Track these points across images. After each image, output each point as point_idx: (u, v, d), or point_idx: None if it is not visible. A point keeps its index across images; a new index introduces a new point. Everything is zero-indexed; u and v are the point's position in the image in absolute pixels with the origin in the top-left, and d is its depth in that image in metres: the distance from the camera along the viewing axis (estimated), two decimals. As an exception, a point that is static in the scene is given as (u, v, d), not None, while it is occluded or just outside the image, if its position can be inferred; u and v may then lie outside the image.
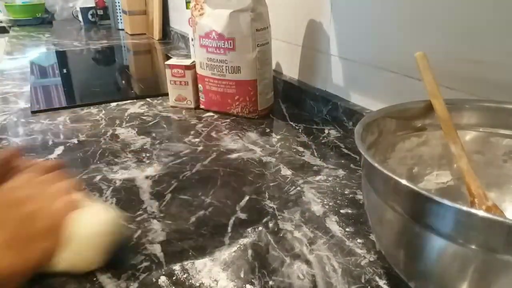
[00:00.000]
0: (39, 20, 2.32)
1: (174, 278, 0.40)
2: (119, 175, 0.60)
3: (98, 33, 1.98)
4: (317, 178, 0.59)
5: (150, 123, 0.80)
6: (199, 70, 0.85)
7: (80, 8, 2.25)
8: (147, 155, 0.66)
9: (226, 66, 0.79)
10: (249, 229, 0.47)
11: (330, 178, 0.59)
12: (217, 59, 0.79)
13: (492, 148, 0.44)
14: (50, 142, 0.71)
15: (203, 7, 0.79)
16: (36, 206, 0.38)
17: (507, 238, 0.26)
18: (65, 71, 1.25)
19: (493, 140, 0.43)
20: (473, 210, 0.27)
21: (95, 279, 0.39)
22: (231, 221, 0.49)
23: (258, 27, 0.76)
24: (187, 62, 0.87)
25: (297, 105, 0.88)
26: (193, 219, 0.49)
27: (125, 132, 0.76)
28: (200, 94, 0.87)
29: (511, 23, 0.46)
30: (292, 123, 0.80)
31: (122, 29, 2.03)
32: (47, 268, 0.38)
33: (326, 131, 0.75)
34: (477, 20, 0.50)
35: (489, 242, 0.27)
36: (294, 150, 0.68)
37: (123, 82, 1.13)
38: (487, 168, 0.44)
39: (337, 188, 0.56)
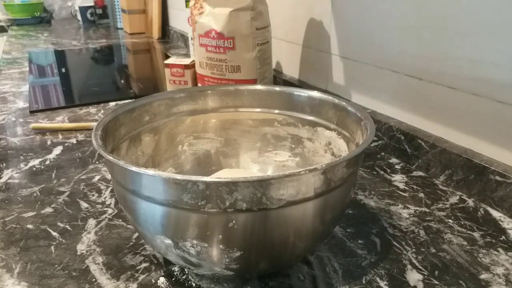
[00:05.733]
0: (38, 19, 2.31)
1: (173, 279, 0.39)
2: (118, 175, 0.59)
3: (97, 32, 1.97)
4: (318, 178, 0.58)
5: (149, 123, 0.80)
6: (198, 70, 0.84)
7: (79, 7, 2.24)
8: (146, 154, 0.66)
9: (226, 66, 0.78)
10: (249, 230, 0.47)
11: (330, 178, 0.58)
12: (216, 58, 0.79)
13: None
14: (49, 142, 0.70)
15: (203, 5, 0.78)
16: None
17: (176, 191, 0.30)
18: (63, 70, 1.24)
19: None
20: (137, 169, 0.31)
21: (94, 279, 0.39)
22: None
23: (258, 26, 0.76)
24: (187, 61, 0.86)
25: (297, 104, 0.88)
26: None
27: (124, 132, 0.75)
28: (199, 93, 0.87)
29: (511, 23, 0.46)
30: (292, 122, 0.79)
31: (121, 28, 2.02)
32: None
33: (326, 131, 0.75)
34: (477, 20, 0.50)
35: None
36: (294, 149, 0.67)
37: (122, 81, 1.13)
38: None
39: (337, 188, 0.56)
